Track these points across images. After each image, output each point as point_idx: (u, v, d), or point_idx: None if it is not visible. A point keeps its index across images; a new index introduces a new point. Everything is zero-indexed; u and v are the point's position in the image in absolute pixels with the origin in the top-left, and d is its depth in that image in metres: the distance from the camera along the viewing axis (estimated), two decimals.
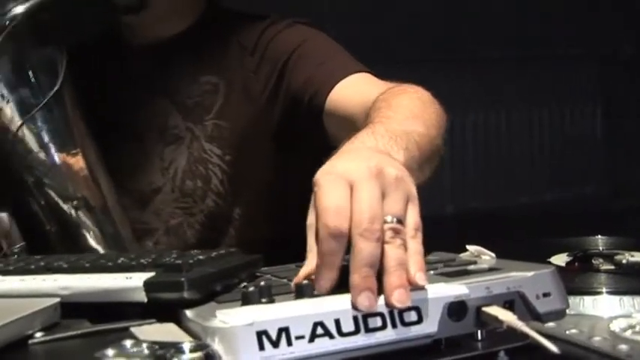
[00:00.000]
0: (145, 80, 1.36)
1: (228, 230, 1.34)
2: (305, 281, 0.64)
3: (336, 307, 0.60)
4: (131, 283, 0.72)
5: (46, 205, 1.12)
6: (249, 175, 1.34)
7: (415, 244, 0.65)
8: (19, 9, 1.06)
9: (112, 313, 0.73)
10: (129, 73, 1.38)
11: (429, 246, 0.69)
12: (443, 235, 0.90)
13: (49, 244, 1.12)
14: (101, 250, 1.14)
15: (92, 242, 1.13)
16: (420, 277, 0.63)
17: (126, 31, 1.38)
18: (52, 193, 1.12)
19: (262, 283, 0.65)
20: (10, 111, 1.09)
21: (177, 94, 1.35)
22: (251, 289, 0.62)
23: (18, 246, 1.06)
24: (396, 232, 0.64)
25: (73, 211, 1.13)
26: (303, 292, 0.62)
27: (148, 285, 0.71)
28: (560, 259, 0.95)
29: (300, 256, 0.69)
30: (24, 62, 1.10)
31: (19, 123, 1.09)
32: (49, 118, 1.11)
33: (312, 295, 0.62)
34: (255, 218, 1.34)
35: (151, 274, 0.73)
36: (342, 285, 0.62)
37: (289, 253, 0.83)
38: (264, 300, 0.61)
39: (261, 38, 1.33)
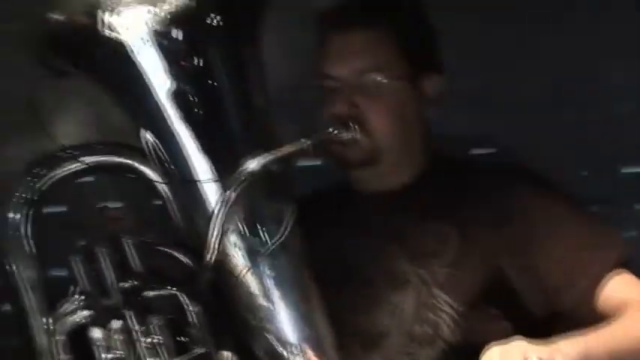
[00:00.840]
0: (374, 227, 1.41)
1: None
2: None
3: None
4: None
5: (265, 348, 1.18)
6: (480, 328, 1.35)
7: None
8: (254, 164, 1.14)
9: None
10: (359, 220, 1.44)
11: None
12: None
13: None
14: None
15: None
16: None
17: (356, 181, 1.45)
18: (271, 338, 1.18)
19: None
20: (238, 257, 1.17)
21: (406, 240, 1.38)
22: None
23: None
24: None
25: (290, 357, 1.18)
26: None
27: None
28: None
29: None
30: (255, 212, 1.18)
31: (245, 269, 1.16)
32: (272, 265, 1.18)
33: None
34: None
35: None
36: None
37: None
38: None
39: (510, 199, 1.38)
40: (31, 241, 1.17)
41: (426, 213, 1.39)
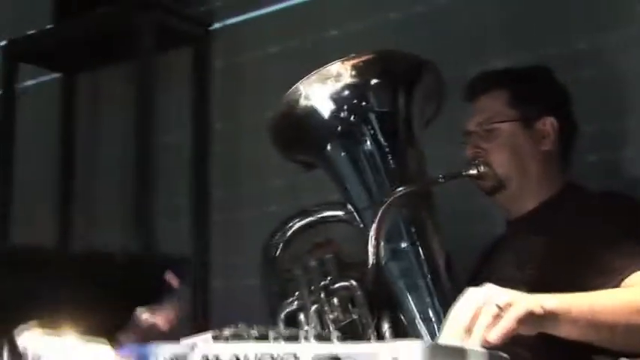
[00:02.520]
0: (507, 248, 1.84)
1: None
2: None
3: None
4: None
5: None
6: None
7: None
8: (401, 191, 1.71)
9: None
10: (501, 242, 1.87)
11: None
12: None
13: None
14: None
15: None
16: None
17: (502, 208, 1.90)
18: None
19: None
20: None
21: (529, 261, 1.76)
22: None
23: None
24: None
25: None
26: None
27: None
28: None
29: None
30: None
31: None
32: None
33: None
34: None
35: None
36: None
37: None
38: None
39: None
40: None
41: (547, 239, 1.76)
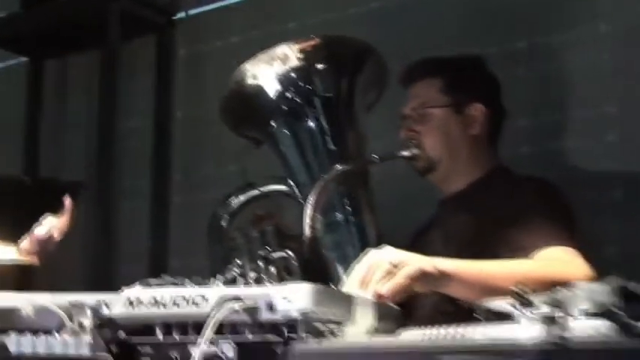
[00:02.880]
0: (437, 226, 1.98)
1: None
2: None
3: None
4: None
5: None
6: None
7: None
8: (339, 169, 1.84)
9: None
10: (434, 220, 2.03)
11: None
12: None
13: None
14: None
15: None
16: None
17: (436, 187, 2.03)
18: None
19: None
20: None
21: (454, 238, 1.90)
22: None
23: None
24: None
25: None
26: None
27: None
28: None
29: None
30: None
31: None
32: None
33: None
34: None
35: None
36: None
37: None
38: None
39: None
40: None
41: (473, 217, 1.90)
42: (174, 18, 3.21)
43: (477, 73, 2.09)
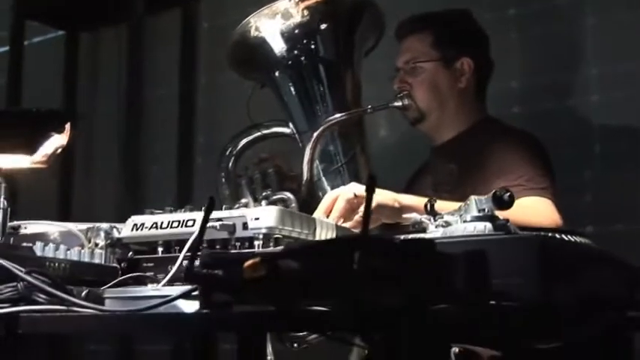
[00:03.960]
0: (428, 172, 2.18)
1: None
2: None
3: None
4: None
5: None
6: None
7: None
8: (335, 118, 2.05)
9: None
10: (425, 166, 2.23)
11: None
12: None
13: None
14: None
15: None
16: None
17: (426, 137, 2.22)
18: None
19: None
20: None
21: (441, 184, 2.10)
22: None
23: None
24: None
25: None
26: None
27: None
28: None
29: None
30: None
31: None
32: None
33: None
34: None
35: None
36: None
37: None
38: None
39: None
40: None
41: (460, 166, 2.10)
42: None
43: (466, 28, 2.23)
